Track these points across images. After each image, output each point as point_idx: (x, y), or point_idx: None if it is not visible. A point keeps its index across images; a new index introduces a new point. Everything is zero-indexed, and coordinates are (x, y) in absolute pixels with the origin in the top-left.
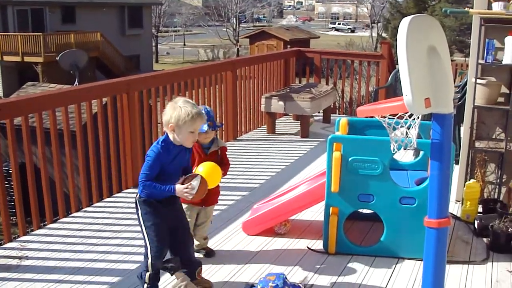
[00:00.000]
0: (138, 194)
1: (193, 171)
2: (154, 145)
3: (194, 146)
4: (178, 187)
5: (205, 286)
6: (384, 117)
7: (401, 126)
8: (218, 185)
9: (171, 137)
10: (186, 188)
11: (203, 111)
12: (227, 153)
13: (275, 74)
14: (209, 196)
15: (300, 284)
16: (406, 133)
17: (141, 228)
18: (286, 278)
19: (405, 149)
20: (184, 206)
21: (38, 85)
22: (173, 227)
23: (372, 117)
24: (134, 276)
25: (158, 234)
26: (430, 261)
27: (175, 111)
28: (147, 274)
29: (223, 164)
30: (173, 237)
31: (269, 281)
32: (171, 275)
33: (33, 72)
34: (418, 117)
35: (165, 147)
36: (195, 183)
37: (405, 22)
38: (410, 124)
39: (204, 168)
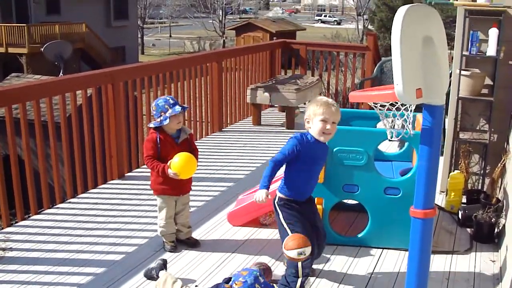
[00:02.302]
0: (276, 197)
1: (168, 163)
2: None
3: (166, 139)
4: None
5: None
6: (376, 105)
7: (394, 116)
8: None
9: (310, 131)
10: None
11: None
12: (213, 144)
13: (261, 65)
14: (184, 185)
15: (274, 285)
16: (393, 122)
17: (283, 230)
18: (261, 275)
19: (402, 137)
20: (160, 200)
21: (22, 76)
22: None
23: (359, 107)
24: (118, 267)
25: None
26: (415, 250)
27: (310, 107)
28: (299, 281)
29: (193, 150)
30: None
31: (241, 275)
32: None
33: (18, 63)
34: (411, 106)
35: (302, 137)
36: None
37: (401, 11)
38: (402, 113)
39: (179, 159)
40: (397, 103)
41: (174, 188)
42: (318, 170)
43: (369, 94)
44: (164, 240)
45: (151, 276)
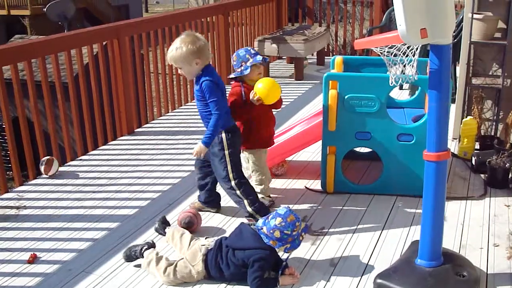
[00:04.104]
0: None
1: (254, 88)
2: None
3: (250, 91)
4: None
5: None
6: (382, 53)
7: (401, 61)
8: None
9: None
10: None
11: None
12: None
13: (268, 17)
14: (271, 138)
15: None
16: (404, 66)
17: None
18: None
19: (403, 82)
20: (252, 155)
21: (26, 38)
22: None
23: (367, 54)
24: (132, 221)
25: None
26: (430, 195)
27: None
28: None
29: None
30: None
31: (291, 223)
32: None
33: (21, 25)
34: (417, 48)
35: None
36: None
37: None
38: (410, 59)
39: (264, 83)
40: (403, 46)
41: (264, 141)
42: (198, 107)
43: (373, 39)
44: (264, 197)
45: (160, 233)
